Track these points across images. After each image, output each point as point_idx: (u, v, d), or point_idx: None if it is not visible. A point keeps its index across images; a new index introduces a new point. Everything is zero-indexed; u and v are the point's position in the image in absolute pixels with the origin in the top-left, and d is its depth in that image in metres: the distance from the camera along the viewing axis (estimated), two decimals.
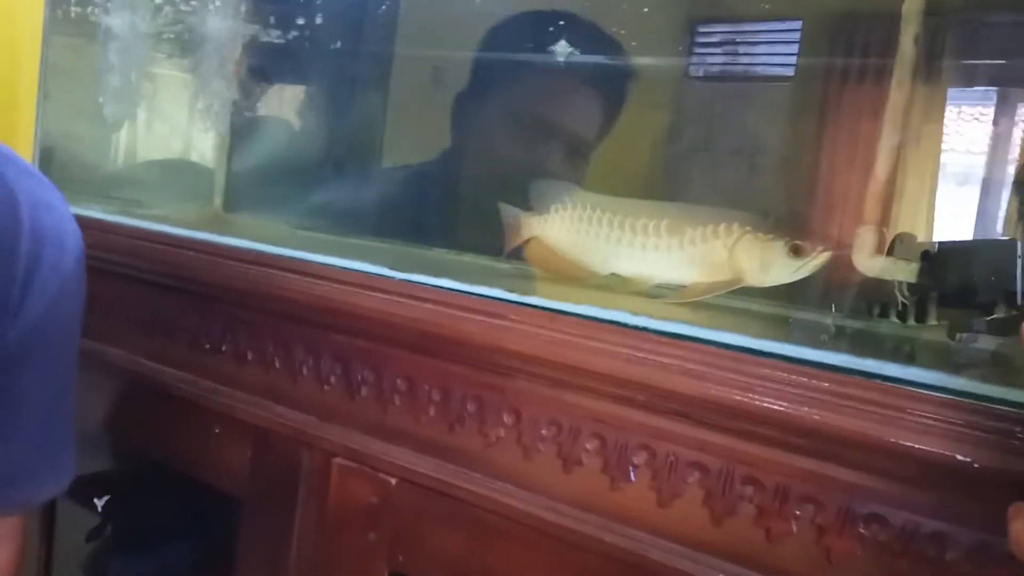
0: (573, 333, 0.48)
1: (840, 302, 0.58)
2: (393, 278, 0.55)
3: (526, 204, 0.64)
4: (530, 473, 0.50)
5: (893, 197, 0.56)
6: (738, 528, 0.44)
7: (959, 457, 0.37)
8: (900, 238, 0.51)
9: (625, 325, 0.47)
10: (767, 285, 0.54)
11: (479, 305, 0.51)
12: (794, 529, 0.42)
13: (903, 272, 0.50)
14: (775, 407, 0.41)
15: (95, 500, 0.77)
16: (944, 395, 0.39)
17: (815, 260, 0.52)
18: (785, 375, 0.42)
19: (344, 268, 0.58)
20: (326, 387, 0.59)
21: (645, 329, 0.47)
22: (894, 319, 0.53)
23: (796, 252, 0.52)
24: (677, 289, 0.57)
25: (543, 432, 0.50)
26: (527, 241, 0.64)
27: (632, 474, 0.47)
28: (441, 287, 0.53)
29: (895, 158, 0.50)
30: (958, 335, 0.48)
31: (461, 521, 0.53)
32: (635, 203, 0.60)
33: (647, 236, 0.57)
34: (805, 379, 0.41)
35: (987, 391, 0.38)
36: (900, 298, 0.51)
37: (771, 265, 0.53)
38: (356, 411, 0.58)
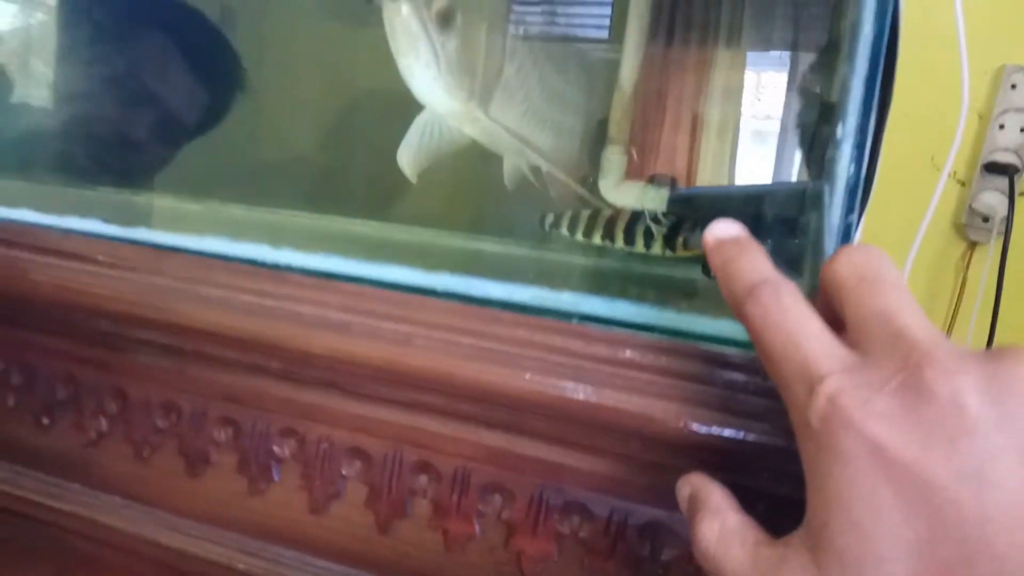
0: (183, 276, 0.33)
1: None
2: None
3: None
4: (144, 479, 0.36)
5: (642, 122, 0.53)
6: (409, 534, 0.32)
7: (681, 424, 0.27)
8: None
9: (258, 263, 0.34)
10: None
11: (56, 242, 0.35)
12: (477, 530, 0.31)
13: (654, 199, 0.47)
14: (439, 366, 0.29)
15: None
16: (658, 337, 0.28)
17: None
18: (456, 321, 0.30)
19: None
20: None
21: (288, 268, 0.33)
22: (639, 248, 0.45)
23: None
24: None
25: (158, 421, 0.35)
26: None
27: (276, 471, 0.34)
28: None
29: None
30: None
31: (46, 555, 0.37)
32: None
33: None
34: (481, 324, 0.29)
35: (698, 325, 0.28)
36: (653, 227, 0.45)
37: None
38: None
